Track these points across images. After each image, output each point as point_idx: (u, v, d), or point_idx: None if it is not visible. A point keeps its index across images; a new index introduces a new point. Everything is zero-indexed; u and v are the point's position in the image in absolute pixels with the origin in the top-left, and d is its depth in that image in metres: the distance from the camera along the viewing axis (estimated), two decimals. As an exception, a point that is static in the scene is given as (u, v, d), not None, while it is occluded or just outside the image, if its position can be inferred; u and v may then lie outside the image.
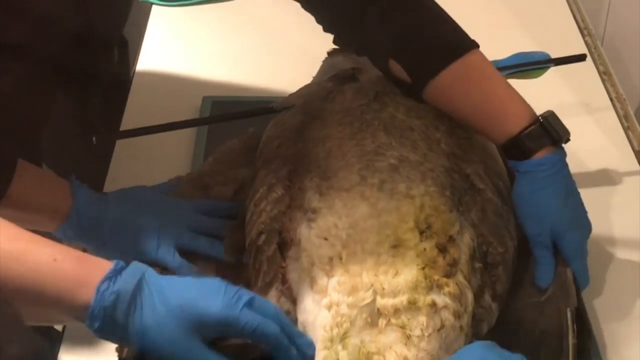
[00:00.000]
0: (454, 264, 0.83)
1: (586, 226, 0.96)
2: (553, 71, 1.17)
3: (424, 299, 0.79)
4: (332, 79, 1.07)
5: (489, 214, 0.91)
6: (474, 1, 1.59)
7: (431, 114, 0.98)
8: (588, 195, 1.09)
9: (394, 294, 0.79)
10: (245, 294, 0.79)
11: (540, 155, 0.93)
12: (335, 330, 0.78)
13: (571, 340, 0.87)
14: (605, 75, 1.38)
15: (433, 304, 0.79)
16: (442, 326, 0.79)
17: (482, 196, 0.92)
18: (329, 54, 1.26)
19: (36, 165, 0.98)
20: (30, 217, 0.92)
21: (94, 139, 1.07)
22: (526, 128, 0.93)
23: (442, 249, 0.83)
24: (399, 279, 0.80)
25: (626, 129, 1.28)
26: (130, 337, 0.77)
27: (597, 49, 1.45)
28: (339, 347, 0.78)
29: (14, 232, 0.78)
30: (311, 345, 0.80)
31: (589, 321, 0.95)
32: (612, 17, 1.44)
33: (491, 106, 0.95)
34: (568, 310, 0.88)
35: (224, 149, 1.08)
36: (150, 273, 0.79)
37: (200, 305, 0.77)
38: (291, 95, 1.09)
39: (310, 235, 0.86)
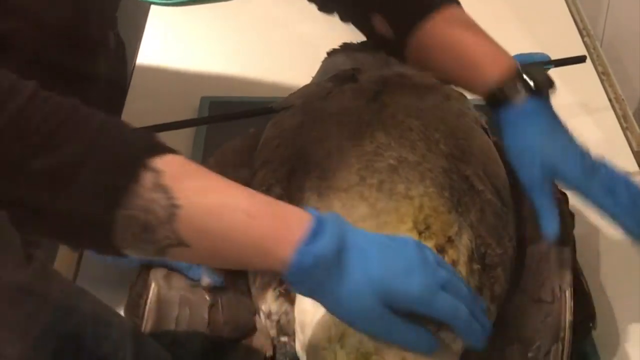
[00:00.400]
0: (452, 265, 0.83)
1: (580, 154, 0.93)
2: (552, 71, 1.16)
3: None
4: (332, 79, 1.07)
5: (488, 215, 0.91)
6: (473, 1, 1.59)
7: (430, 115, 0.98)
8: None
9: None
10: (443, 273, 0.77)
11: (522, 102, 0.93)
12: (334, 330, 0.79)
13: (568, 317, 0.87)
14: (604, 75, 1.39)
15: None
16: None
17: (481, 197, 0.92)
18: (329, 54, 1.26)
19: None
20: None
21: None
22: (507, 78, 0.94)
23: (440, 250, 0.83)
24: (398, 279, 0.80)
25: (625, 130, 1.28)
26: (324, 298, 0.75)
27: (596, 50, 1.45)
28: (337, 347, 0.78)
29: (205, 183, 0.76)
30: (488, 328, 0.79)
31: (592, 302, 0.95)
32: (611, 18, 1.45)
33: (472, 57, 0.97)
34: (567, 291, 0.89)
35: (225, 149, 1.08)
36: (350, 232, 0.76)
37: (399, 283, 0.75)
38: (290, 95, 1.08)
39: (309, 235, 0.85)
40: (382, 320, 0.75)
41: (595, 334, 0.96)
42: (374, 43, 1.04)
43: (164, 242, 0.73)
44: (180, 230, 0.72)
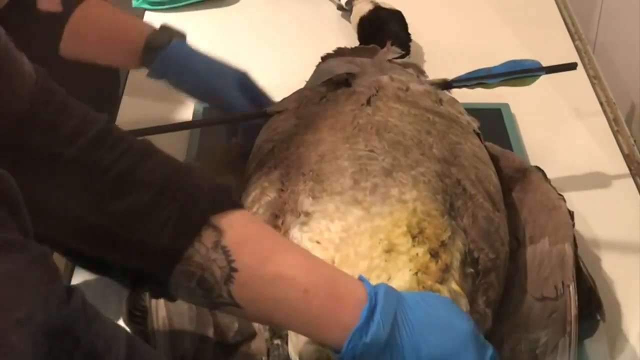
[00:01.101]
0: (446, 269, 0.83)
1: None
2: (544, 76, 1.17)
3: None
4: (326, 84, 1.07)
5: (480, 220, 0.91)
6: (464, 5, 1.60)
7: (423, 119, 0.99)
8: (578, 198, 1.10)
9: None
10: (490, 352, 0.76)
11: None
12: None
13: (573, 311, 0.88)
14: (595, 79, 1.39)
15: None
16: None
17: (474, 201, 0.92)
18: (323, 58, 1.26)
19: None
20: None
21: None
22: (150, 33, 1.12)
23: (434, 254, 0.83)
24: (391, 284, 0.80)
25: (616, 133, 1.28)
26: None
27: (587, 54, 1.45)
28: (330, 351, 0.77)
29: (266, 249, 0.76)
30: None
31: (598, 295, 0.95)
32: (603, 22, 1.45)
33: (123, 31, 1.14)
34: (570, 286, 0.89)
35: (209, 156, 1.09)
36: (402, 310, 0.74)
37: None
38: (284, 99, 1.09)
39: (302, 238, 0.86)
40: None
41: (602, 326, 0.95)
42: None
43: (217, 300, 0.74)
44: (235, 293, 0.73)
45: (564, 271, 0.90)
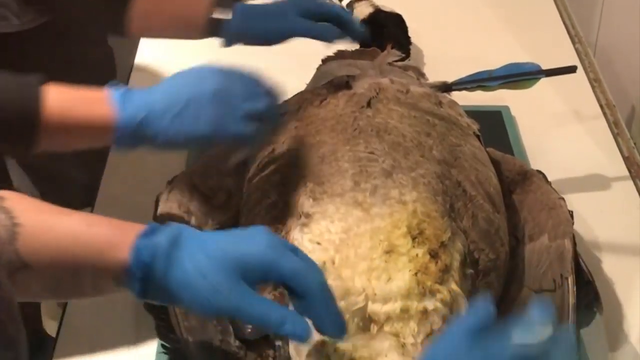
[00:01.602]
0: (446, 270, 0.84)
1: None
2: (544, 78, 1.18)
3: (417, 306, 0.80)
4: (326, 86, 1.07)
5: (480, 221, 0.92)
6: (465, 8, 1.60)
7: (423, 121, 0.99)
8: (578, 201, 1.11)
9: (386, 300, 0.80)
10: (290, 243, 0.76)
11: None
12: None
13: (571, 301, 0.88)
14: (595, 82, 1.40)
15: (425, 311, 0.80)
16: (432, 331, 0.80)
17: (473, 202, 0.93)
18: (323, 61, 1.27)
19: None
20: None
21: None
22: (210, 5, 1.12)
23: (434, 255, 0.84)
24: (391, 284, 0.81)
25: (616, 136, 1.29)
26: (172, 292, 0.74)
27: (587, 56, 1.46)
28: (330, 350, 0.78)
29: (40, 206, 0.77)
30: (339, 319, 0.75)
31: (595, 288, 0.95)
32: (604, 24, 1.46)
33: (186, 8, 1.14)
34: (569, 278, 0.89)
35: (212, 154, 1.09)
36: (187, 229, 0.76)
37: (242, 248, 0.74)
38: (285, 101, 1.09)
39: (303, 239, 0.86)
40: (233, 295, 0.72)
41: (600, 318, 0.96)
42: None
43: (10, 266, 0.73)
44: (21, 250, 0.73)
45: (563, 264, 0.91)
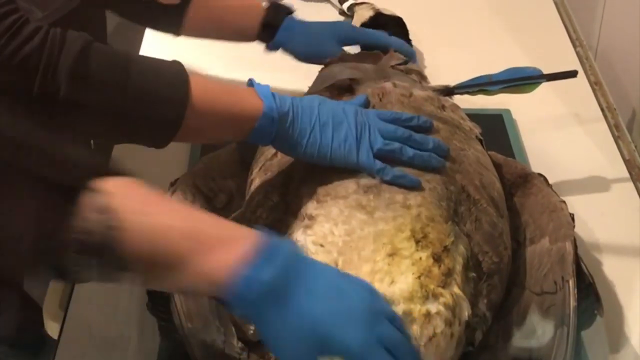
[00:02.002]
0: (448, 273, 0.84)
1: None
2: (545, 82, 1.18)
3: (419, 309, 0.81)
4: (329, 89, 1.07)
5: (484, 224, 0.92)
6: (465, 12, 1.60)
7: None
8: (579, 203, 1.11)
9: (389, 302, 0.80)
10: (388, 330, 0.75)
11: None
12: None
13: (572, 303, 0.88)
14: (596, 85, 1.40)
15: (427, 314, 0.81)
16: (434, 334, 0.80)
17: (477, 207, 0.93)
18: (326, 64, 1.27)
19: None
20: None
21: (92, 142, 1.08)
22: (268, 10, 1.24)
23: (437, 259, 0.84)
24: (394, 287, 0.81)
25: (616, 138, 1.29)
26: (263, 328, 0.74)
27: (588, 60, 1.46)
28: (326, 357, 0.77)
29: (149, 205, 0.76)
30: None
31: (596, 290, 0.95)
32: (605, 28, 1.46)
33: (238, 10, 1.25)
34: (570, 281, 0.89)
35: (211, 158, 1.09)
36: (302, 264, 0.75)
37: (338, 330, 0.73)
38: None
39: (306, 241, 0.86)
40: None
41: (601, 321, 0.96)
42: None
43: (106, 266, 0.73)
44: (122, 253, 0.72)
45: (564, 267, 0.91)
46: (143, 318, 0.96)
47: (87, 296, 1.04)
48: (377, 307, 0.76)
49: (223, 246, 0.74)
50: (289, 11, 1.27)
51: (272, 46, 1.26)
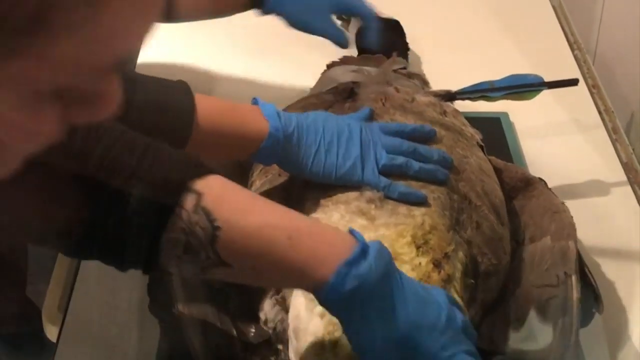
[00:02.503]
0: (448, 280, 0.84)
1: None
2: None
3: None
4: (331, 92, 1.07)
5: (485, 229, 0.92)
6: (463, 15, 1.60)
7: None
8: (576, 206, 1.11)
9: None
10: (465, 344, 0.75)
11: None
12: (327, 338, 0.79)
13: (575, 295, 0.88)
14: (594, 89, 1.40)
15: None
16: None
17: (478, 213, 0.93)
18: (328, 66, 1.27)
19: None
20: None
21: None
22: None
23: (437, 265, 0.84)
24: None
25: (614, 142, 1.29)
26: (348, 325, 0.74)
27: (586, 63, 1.46)
28: (330, 355, 0.78)
29: (245, 204, 0.76)
30: None
31: (597, 289, 0.96)
32: (603, 31, 1.46)
33: None
34: (573, 276, 0.90)
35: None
36: (393, 264, 0.75)
37: (422, 341, 0.73)
38: (289, 106, 1.09)
39: (307, 246, 0.86)
40: None
41: (601, 323, 0.97)
42: None
43: (206, 263, 0.74)
44: (221, 252, 0.73)
45: (567, 263, 0.91)
46: (143, 320, 0.96)
47: (86, 298, 1.04)
48: (457, 318, 0.76)
49: (324, 248, 0.74)
50: None
51: (264, 10, 1.20)
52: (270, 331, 0.88)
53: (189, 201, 0.73)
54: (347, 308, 0.73)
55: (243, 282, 0.84)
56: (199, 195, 0.73)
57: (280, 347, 0.87)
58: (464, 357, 0.74)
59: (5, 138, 0.45)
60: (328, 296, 0.73)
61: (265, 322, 0.89)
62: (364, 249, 0.73)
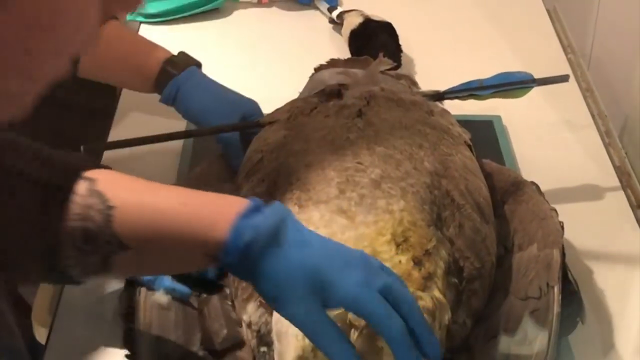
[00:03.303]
0: (429, 277, 0.84)
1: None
2: (536, 88, 1.18)
3: None
4: (318, 95, 1.07)
5: (467, 229, 0.92)
6: (456, 17, 1.60)
7: (414, 132, 0.99)
8: (569, 210, 1.10)
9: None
10: (385, 276, 0.73)
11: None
12: (308, 340, 0.78)
13: (556, 309, 0.88)
14: (587, 92, 1.40)
15: None
16: None
17: (461, 212, 0.92)
18: (316, 69, 1.27)
19: None
20: None
21: (82, 148, 1.08)
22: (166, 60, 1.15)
23: (417, 262, 0.84)
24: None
25: (607, 145, 1.29)
26: (259, 278, 0.73)
27: (579, 66, 1.46)
28: (311, 356, 0.78)
29: (133, 184, 0.77)
30: (436, 346, 0.73)
31: (580, 298, 0.95)
32: (598, 35, 1.46)
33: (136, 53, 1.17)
34: (555, 287, 0.89)
35: (210, 163, 1.09)
36: (291, 217, 0.75)
37: (335, 274, 0.72)
38: (276, 110, 1.09)
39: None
40: (310, 312, 0.72)
41: (583, 328, 0.96)
42: None
43: (106, 249, 0.73)
44: (118, 232, 0.73)
45: (550, 273, 0.91)
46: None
47: (75, 302, 1.03)
48: (373, 261, 0.75)
49: (217, 208, 0.74)
50: (192, 63, 1.18)
51: (164, 99, 1.16)
52: (254, 334, 0.88)
53: (81, 186, 0.73)
54: (246, 262, 0.72)
55: (146, 270, 0.82)
56: (91, 180, 0.74)
57: (264, 349, 0.87)
58: (380, 300, 0.72)
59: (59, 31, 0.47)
60: (229, 251, 0.72)
61: (250, 324, 0.89)
62: (257, 205, 0.74)
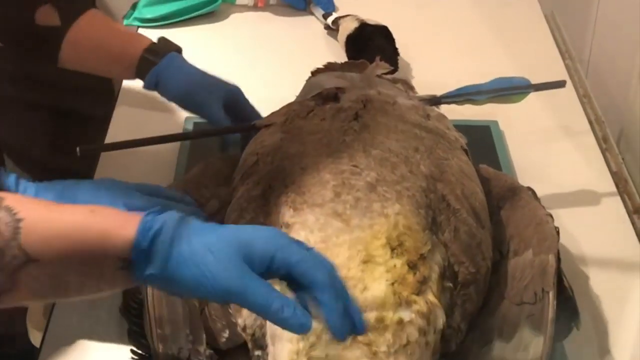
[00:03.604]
0: (424, 281, 0.84)
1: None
2: (533, 94, 1.18)
3: (392, 317, 0.80)
4: (315, 98, 1.07)
5: (462, 234, 0.91)
6: (454, 22, 1.61)
7: (410, 135, 0.99)
8: (566, 216, 1.11)
9: (361, 309, 0.79)
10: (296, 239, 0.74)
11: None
12: (302, 344, 0.79)
13: (550, 314, 0.88)
14: (585, 98, 1.40)
15: (400, 321, 0.80)
16: (408, 342, 0.80)
17: (457, 216, 0.92)
18: (313, 73, 1.27)
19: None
20: None
21: (78, 149, 1.08)
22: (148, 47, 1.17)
23: (412, 266, 0.84)
24: (367, 294, 0.81)
25: (604, 151, 1.29)
26: (175, 270, 0.72)
27: (577, 72, 1.46)
28: (305, 359, 0.78)
29: (41, 201, 0.78)
30: (357, 312, 0.73)
31: (575, 304, 0.95)
32: (596, 41, 1.46)
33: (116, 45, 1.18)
34: (550, 293, 0.89)
35: (207, 166, 1.09)
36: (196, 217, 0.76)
37: (249, 232, 0.73)
38: (273, 113, 1.09)
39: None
40: (242, 278, 0.71)
41: (578, 333, 0.95)
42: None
43: (13, 264, 0.72)
44: (26, 244, 0.72)
45: (545, 279, 0.91)
46: (124, 328, 0.96)
47: (70, 305, 1.03)
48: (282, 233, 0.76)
49: (124, 215, 0.75)
50: (173, 48, 1.20)
51: (146, 84, 1.18)
52: (249, 337, 0.88)
53: None
54: (158, 256, 0.72)
55: (58, 290, 0.78)
56: None
57: (259, 353, 0.87)
58: (300, 247, 0.73)
59: None
60: (140, 240, 0.72)
61: (244, 328, 0.89)
62: (162, 209, 0.75)
